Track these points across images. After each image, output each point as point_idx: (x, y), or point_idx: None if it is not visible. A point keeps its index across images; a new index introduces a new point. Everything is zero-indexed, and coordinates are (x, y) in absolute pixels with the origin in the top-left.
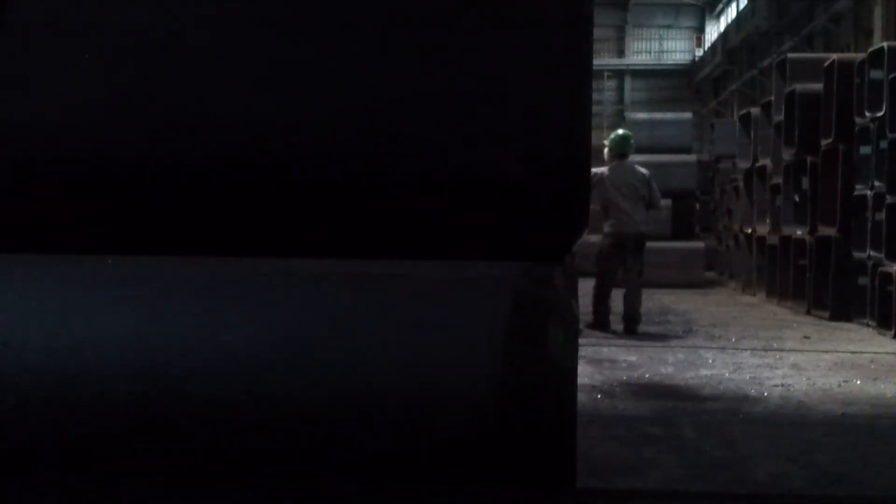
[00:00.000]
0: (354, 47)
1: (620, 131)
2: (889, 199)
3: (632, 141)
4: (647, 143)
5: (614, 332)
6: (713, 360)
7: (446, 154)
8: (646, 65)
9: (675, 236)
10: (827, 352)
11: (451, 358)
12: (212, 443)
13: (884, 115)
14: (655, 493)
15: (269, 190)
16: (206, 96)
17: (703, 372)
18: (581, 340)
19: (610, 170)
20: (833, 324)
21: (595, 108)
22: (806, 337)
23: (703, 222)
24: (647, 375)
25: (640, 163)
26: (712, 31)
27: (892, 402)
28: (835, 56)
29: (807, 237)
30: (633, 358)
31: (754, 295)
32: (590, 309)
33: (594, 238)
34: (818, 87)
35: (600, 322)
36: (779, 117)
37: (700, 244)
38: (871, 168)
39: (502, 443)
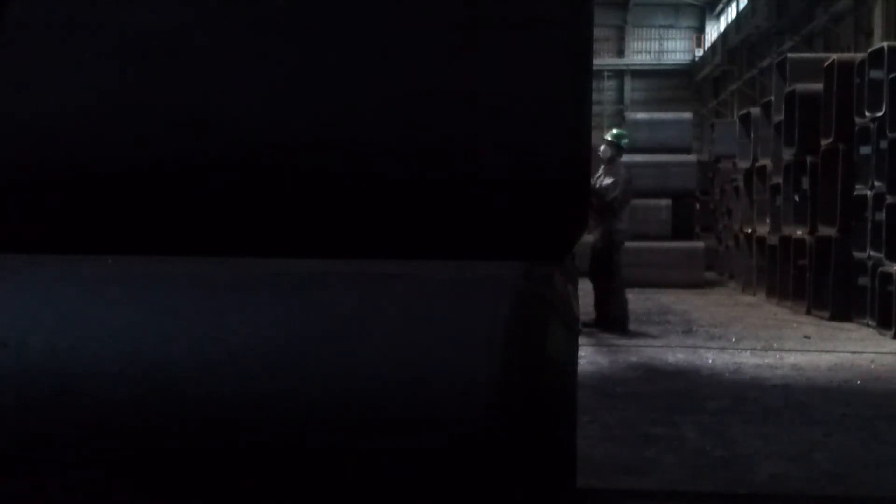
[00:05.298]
0: (354, 47)
1: (615, 130)
2: (889, 199)
3: None
4: (646, 143)
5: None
6: (713, 361)
7: (446, 154)
8: (646, 65)
9: (675, 236)
10: (827, 352)
11: (451, 358)
12: (212, 443)
13: (884, 115)
14: (655, 494)
15: (268, 190)
16: (206, 96)
17: (704, 372)
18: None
19: (626, 168)
20: (833, 324)
21: (595, 108)
22: (806, 337)
23: (703, 222)
24: (647, 375)
25: (640, 163)
26: (712, 31)
27: (893, 402)
28: (835, 56)
29: (807, 237)
30: (633, 358)
31: (754, 295)
32: (590, 309)
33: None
34: (818, 87)
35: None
36: (779, 117)
37: (700, 244)
38: (871, 168)
39: (502, 443)
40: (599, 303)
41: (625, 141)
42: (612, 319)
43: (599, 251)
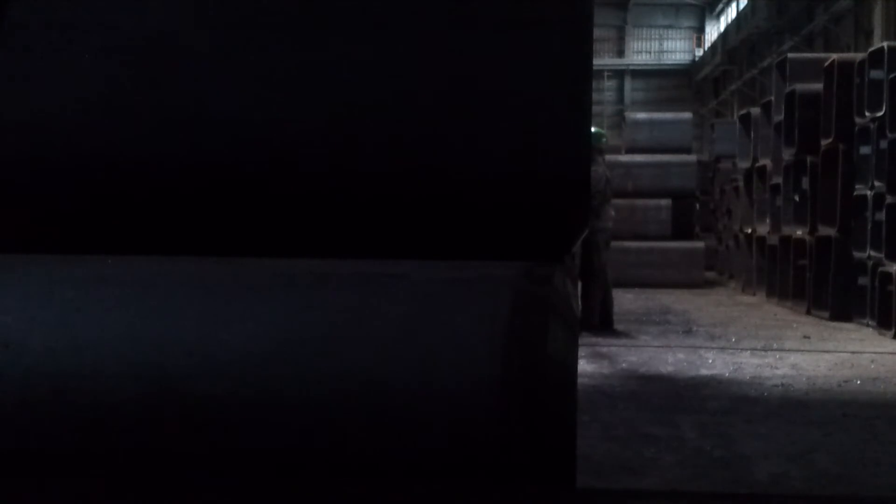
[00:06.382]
0: (354, 47)
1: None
2: (889, 199)
3: None
4: (647, 143)
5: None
6: (713, 361)
7: (446, 154)
8: (646, 65)
9: (675, 236)
10: (827, 352)
11: (452, 357)
12: (211, 443)
13: (884, 115)
14: (655, 493)
15: (269, 190)
16: (206, 96)
17: (704, 372)
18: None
19: (606, 167)
20: (833, 324)
21: (595, 108)
22: (806, 337)
23: (703, 222)
24: (647, 375)
25: (640, 163)
26: (712, 31)
27: (892, 402)
28: (835, 56)
29: (807, 237)
30: (633, 358)
31: (754, 295)
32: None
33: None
34: (818, 87)
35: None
36: (779, 117)
37: (700, 244)
38: (871, 168)
39: (502, 442)
40: (597, 300)
41: (603, 140)
42: (589, 318)
43: (581, 250)
